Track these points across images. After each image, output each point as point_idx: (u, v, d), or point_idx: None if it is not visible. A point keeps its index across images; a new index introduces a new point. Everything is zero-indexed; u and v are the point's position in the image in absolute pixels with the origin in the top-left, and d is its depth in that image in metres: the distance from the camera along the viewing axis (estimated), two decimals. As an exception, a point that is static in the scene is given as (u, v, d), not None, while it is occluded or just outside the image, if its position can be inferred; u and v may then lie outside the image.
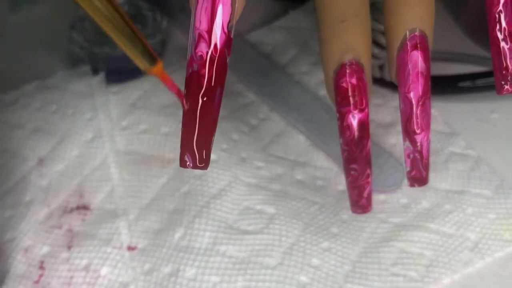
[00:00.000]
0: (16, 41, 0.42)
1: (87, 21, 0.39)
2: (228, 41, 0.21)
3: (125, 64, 0.38)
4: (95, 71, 0.37)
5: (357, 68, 0.25)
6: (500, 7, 0.26)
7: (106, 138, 0.34)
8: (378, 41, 0.35)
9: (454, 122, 0.36)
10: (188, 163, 0.22)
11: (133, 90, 0.36)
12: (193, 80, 0.21)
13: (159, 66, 0.28)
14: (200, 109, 0.22)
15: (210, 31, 0.21)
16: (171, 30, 0.41)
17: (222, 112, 0.35)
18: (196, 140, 0.22)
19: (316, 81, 0.38)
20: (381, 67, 0.37)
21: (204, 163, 0.22)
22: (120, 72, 0.38)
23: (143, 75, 0.38)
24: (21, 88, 0.38)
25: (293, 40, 0.41)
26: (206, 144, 0.22)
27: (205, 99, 0.21)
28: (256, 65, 0.39)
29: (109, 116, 0.35)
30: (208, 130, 0.22)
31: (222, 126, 0.34)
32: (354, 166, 0.25)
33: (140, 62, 0.28)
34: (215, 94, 0.22)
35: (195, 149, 0.22)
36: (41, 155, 0.33)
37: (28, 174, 0.33)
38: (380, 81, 0.37)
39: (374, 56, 0.35)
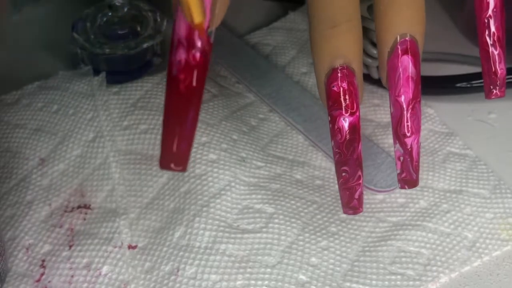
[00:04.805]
0: (17, 41, 0.43)
1: (88, 22, 0.39)
2: (207, 47, 0.21)
3: (125, 64, 0.38)
4: (96, 72, 0.38)
5: (348, 73, 0.25)
6: (490, 13, 0.26)
7: (107, 138, 0.34)
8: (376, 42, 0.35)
9: (452, 122, 0.36)
10: (168, 164, 0.22)
11: (133, 90, 0.36)
12: (172, 84, 0.22)
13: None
14: (179, 113, 0.22)
15: (188, 36, 0.21)
16: (171, 31, 0.41)
17: (222, 112, 0.36)
18: (177, 143, 0.22)
19: (316, 82, 0.38)
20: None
21: (182, 165, 0.23)
22: (120, 73, 0.38)
23: (144, 75, 0.38)
24: (22, 88, 0.38)
25: (293, 41, 0.42)
26: (185, 147, 0.22)
27: (184, 103, 0.22)
28: (255, 66, 0.39)
29: (109, 116, 0.35)
30: (188, 132, 0.22)
31: (222, 126, 0.35)
32: (345, 168, 0.25)
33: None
34: (193, 99, 0.22)
35: (175, 152, 0.22)
36: (42, 154, 0.34)
37: (29, 173, 0.33)
38: (378, 82, 0.37)
39: (372, 56, 0.35)
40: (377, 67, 0.37)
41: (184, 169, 0.23)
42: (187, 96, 0.22)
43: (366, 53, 0.35)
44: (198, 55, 0.21)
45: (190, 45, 0.21)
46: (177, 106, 0.22)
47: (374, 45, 0.35)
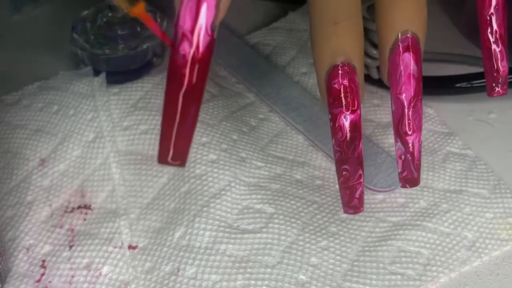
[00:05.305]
0: (17, 42, 0.43)
1: (88, 23, 0.39)
2: (211, 42, 0.21)
3: (125, 65, 0.38)
4: (96, 72, 0.38)
5: (349, 70, 0.25)
6: (492, 10, 0.26)
7: (107, 139, 0.34)
8: (376, 42, 0.35)
9: (452, 122, 0.36)
10: (166, 159, 0.22)
11: (133, 90, 0.37)
12: (174, 79, 0.21)
13: (140, 6, 0.26)
14: (180, 108, 0.22)
15: (193, 31, 0.21)
16: (171, 30, 0.41)
17: (222, 113, 0.36)
18: (175, 137, 0.22)
19: (315, 82, 0.38)
20: (379, 68, 0.37)
21: (180, 160, 0.22)
22: (120, 73, 0.38)
23: (144, 76, 0.38)
24: (22, 89, 0.38)
25: (293, 41, 0.42)
26: (184, 143, 0.22)
27: (185, 98, 0.22)
28: (256, 66, 0.39)
29: (110, 117, 0.35)
30: (188, 128, 0.22)
31: (222, 126, 0.35)
32: (346, 167, 0.25)
33: (121, 2, 0.26)
34: (195, 94, 0.22)
35: (173, 146, 0.22)
36: (43, 155, 0.34)
37: (29, 174, 0.33)
38: (378, 82, 0.37)
39: (372, 57, 0.35)
40: (377, 67, 0.37)
41: (182, 164, 0.22)
42: (189, 91, 0.21)
43: (366, 53, 0.35)
44: (202, 49, 0.21)
45: (196, 39, 0.21)
46: (178, 101, 0.22)
47: (374, 45, 0.35)
